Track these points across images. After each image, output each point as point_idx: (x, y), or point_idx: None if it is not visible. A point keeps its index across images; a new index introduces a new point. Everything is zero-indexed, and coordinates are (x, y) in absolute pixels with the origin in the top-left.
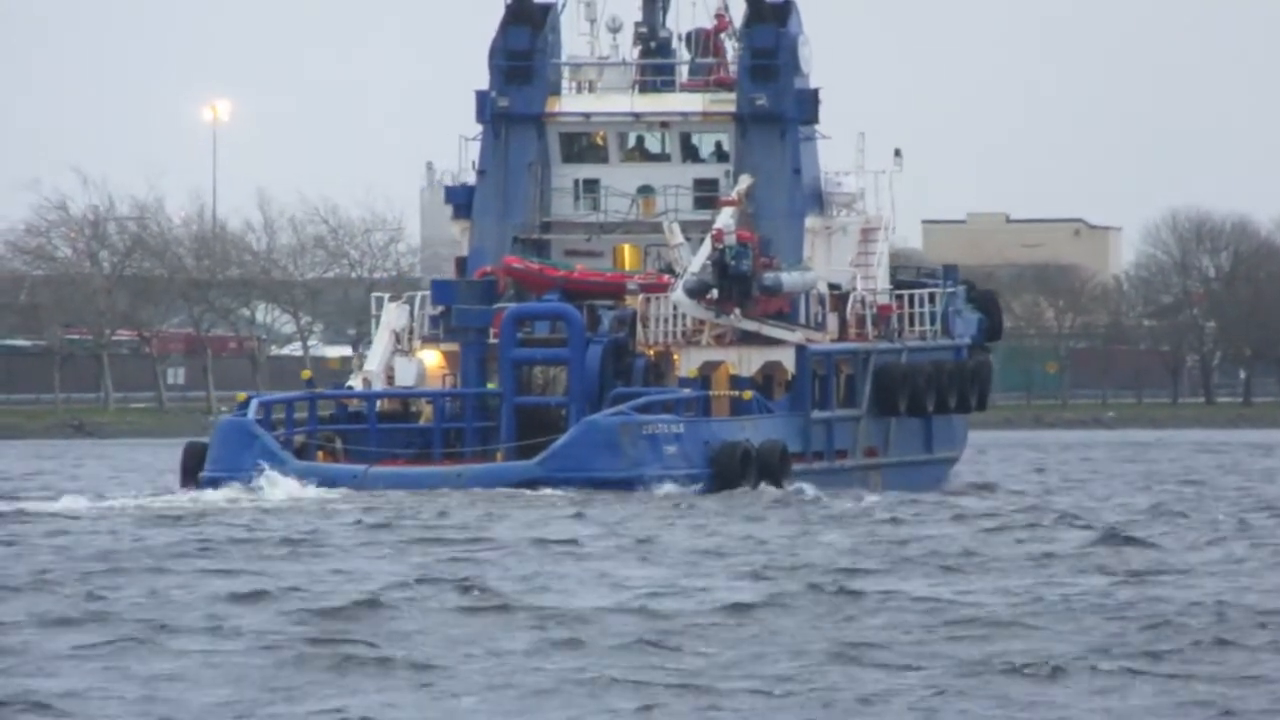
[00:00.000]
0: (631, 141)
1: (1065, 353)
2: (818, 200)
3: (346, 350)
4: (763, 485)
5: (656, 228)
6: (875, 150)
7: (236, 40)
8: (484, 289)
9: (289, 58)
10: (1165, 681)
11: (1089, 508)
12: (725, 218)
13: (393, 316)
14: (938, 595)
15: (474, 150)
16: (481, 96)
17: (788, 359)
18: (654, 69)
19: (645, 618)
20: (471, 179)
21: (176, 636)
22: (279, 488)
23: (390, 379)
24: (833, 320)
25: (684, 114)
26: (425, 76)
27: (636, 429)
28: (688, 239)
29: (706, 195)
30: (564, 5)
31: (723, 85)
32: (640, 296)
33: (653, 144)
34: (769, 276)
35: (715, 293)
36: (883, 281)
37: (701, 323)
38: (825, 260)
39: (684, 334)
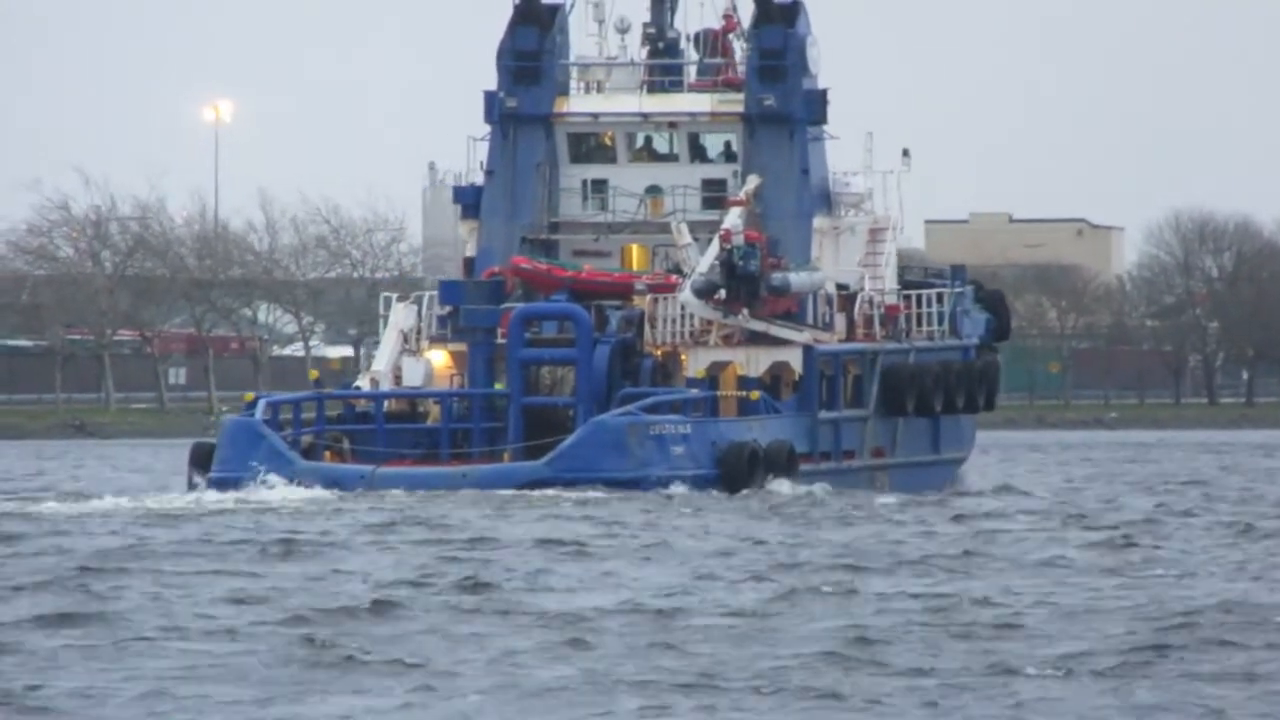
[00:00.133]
0: (640, 142)
1: (1068, 353)
2: (826, 200)
3: (348, 350)
4: (771, 478)
5: (664, 228)
6: (882, 150)
7: (237, 40)
8: (492, 289)
9: (290, 58)
10: (1168, 682)
11: (1093, 509)
12: (733, 218)
13: (400, 317)
14: (941, 593)
15: (481, 150)
16: (490, 97)
17: (795, 359)
18: (662, 69)
19: (650, 618)
20: (479, 179)
21: (176, 636)
22: (279, 490)
23: (398, 379)
24: (840, 320)
25: (692, 114)
26: (425, 76)
27: (644, 429)
28: (696, 239)
29: (714, 195)
30: (572, 6)
31: (731, 85)
32: (648, 297)
33: (661, 144)
34: (777, 277)
35: (723, 293)
36: (890, 282)
37: (709, 323)
38: (833, 260)
39: (692, 334)
